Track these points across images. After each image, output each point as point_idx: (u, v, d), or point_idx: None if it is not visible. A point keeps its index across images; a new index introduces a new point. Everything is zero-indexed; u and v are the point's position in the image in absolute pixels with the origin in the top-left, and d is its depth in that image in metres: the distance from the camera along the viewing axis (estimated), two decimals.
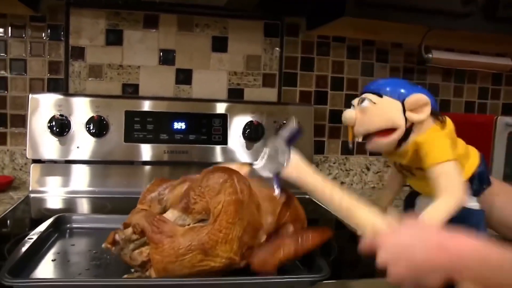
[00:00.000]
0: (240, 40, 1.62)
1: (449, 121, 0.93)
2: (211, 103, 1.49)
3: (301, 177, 0.84)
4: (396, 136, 0.90)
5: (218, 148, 1.46)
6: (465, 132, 0.96)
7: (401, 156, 0.94)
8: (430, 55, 1.61)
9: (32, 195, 1.37)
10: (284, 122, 1.49)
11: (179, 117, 1.44)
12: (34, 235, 0.90)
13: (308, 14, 1.64)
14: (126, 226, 0.82)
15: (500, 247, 0.62)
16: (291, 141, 0.86)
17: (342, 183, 1.73)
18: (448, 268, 0.63)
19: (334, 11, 1.40)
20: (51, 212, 1.16)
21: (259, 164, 0.86)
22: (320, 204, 1.39)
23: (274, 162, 0.85)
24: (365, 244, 0.73)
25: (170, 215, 0.80)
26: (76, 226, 1.05)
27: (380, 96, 0.91)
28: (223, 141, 1.46)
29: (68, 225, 1.05)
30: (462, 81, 1.85)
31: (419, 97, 0.88)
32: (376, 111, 0.91)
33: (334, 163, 1.72)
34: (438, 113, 0.91)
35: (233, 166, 0.86)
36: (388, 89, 0.91)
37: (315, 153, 1.65)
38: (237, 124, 1.48)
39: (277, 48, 1.66)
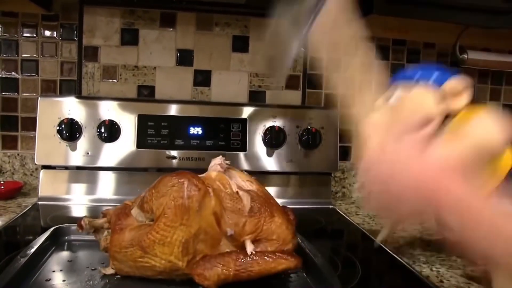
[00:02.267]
0: (262, 40, 1.53)
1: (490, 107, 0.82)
2: (230, 107, 1.41)
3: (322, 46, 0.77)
4: (432, 127, 0.77)
5: (236, 155, 1.37)
6: None
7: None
8: (465, 56, 1.52)
9: (40, 202, 1.31)
10: (308, 127, 1.40)
11: (195, 121, 1.36)
12: (30, 249, 0.85)
13: None
14: (103, 215, 0.89)
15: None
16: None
17: None
18: (425, 203, 0.61)
19: (362, 9, 1.30)
20: (56, 221, 1.10)
21: None
22: (343, 214, 1.32)
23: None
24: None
25: (134, 211, 0.83)
26: (75, 239, 0.99)
27: (411, 86, 0.79)
28: (242, 147, 1.38)
29: (66, 238, 0.99)
30: (499, 83, 1.73)
31: (458, 82, 0.76)
32: (408, 105, 0.78)
33: None
34: (474, 99, 0.79)
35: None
36: (418, 77, 0.79)
37: (341, 159, 1.55)
38: (257, 129, 1.39)
39: (302, 48, 1.56)
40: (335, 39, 0.77)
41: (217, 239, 0.79)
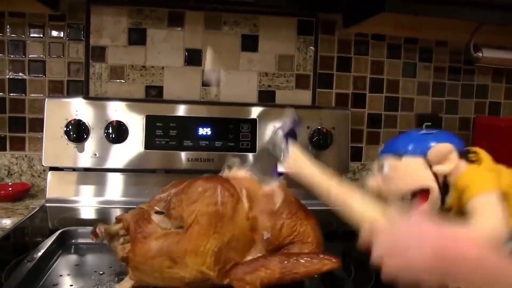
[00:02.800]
0: (271, 39, 1.52)
1: (483, 154, 0.81)
2: (239, 107, 1.39)
3: (298, 170, 0.81)
4: (433, 197, 0.80)
5: (246, 156, 1.35)
6: None
7: (449, 210, 0.83)
8: (480, 54, 1.48)
9: (48, 204, 1.29)
10: (319, 127, 1.38)
11: (204, 122, 1.34)
12: (37, 253, 0.84)
13: (345, 10, 1.52)
14: (118, 221, 0.81)
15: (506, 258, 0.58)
16: (290, 134, 0.84)
17: None
18: (443, 273, 0.59)
19: (373, 7, 1.28)
20: (63, 224, 1.09)
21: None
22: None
23: (272, 156, 0.85)
24: (363, 239, 0.69)
25: (156, 216, 0.78)
26: (82, 242, 0.98)
27: (400, 157, 0.82)
28: (252, 148, 1.35)
29: (73, 241, 0.98)
30: None
31: (440, 148, 0.79)
32: (398, 175, 0.82)
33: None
34: (466, 151, 0.81)
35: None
36: (406, 148, 0.82)
37: (352, 160, 1.52)
38: (267, 130, 1.37)
39: (312, 47, 1.54)
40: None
41: (249, 246, 0.77)
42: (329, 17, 1.54)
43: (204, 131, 1.34)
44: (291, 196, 0.84)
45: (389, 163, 0.83)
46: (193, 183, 0.78)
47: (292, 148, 0.84)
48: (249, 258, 0.76)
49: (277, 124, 1.37)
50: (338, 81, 1.57)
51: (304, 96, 1.55)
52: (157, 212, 0.79)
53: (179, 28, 1.47)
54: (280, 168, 0.83)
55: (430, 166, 0.80)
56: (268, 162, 0.85)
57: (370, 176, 0.88)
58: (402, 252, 0.62)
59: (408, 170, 0.81)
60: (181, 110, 1.35)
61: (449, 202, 0.80)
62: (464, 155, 0.80)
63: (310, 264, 0.74)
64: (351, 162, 1.50)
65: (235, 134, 1.35)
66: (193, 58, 1.48)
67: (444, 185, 0.80)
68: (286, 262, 0.74)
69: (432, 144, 0.80)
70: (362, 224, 0.71)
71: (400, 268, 0.62)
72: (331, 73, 1.56)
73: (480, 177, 0.77)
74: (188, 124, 1.33)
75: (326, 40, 1.55)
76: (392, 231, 0.66)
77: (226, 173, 0.86)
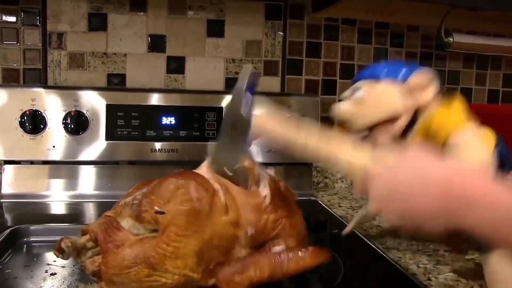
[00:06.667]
0: (238, 24, 1.47)
1: (459, 98, 0.80)
2: (205, 95, 1.33)
3: (268, 130, 0.74)
4: (402, 123, 0.77)
5: (211, 146, 1.30)
6: (488, 124, 0.83)
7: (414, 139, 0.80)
8: (451, 39, 1.47)
9: (3, 200, 1.22)
10: (288, 115, 1.34)
11: (167, 110, 1.28)
12: None
13: None
14: (83, 232, 0.75)
15: None
16: (251, 90, 0.76)
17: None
18: (451, 214, 0.54)
19: None
20: (20, 221, 1.03)
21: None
22: (325, 206, 1.26)
23: (238, 124, 0.75)
24: (357, 186, 0.64)
25: (125, 223, 0.71)
26: (34, 240, 0.93)
27: (377, 81, 0.79)
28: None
29: (25, 239, 0.92)
30: (485, 67, 1.69)
31: (423, 75, 0.77)
32: (374, 99, 0.79)
33: None
34: (442, 89, 0.80)
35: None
36: (385, 71, 0.79)
37: None
38: None
39: (280, 32, 1.49)
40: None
41: (232, 243, 0.71)
42: (297, 1, 1.49)
43: (168, 120, 1.28)
44: (279, 185, 0.79)
45: (365, 85, 0.80)
46: (163, 181, 0.72)
47: (258, 107, 0.76)
48: (234, 255, 0.71)
49: None
50: (307, 67, 1.53)
51: (273, 83, 1.50)
52: (157, 212, 0.70)
53: (142, 13, 1.41)
54: (251, 135, 0.75)
55: (407, 93, 0.76)
56: (235, 134, 0.77)
57: (340, 102, 0.84)
58: (404, 195, 0.57)
59: (384, 95, 0.79)
60: (144, 99, 1.29)
61: (413, 135, 0.78)
62: (440, 91, 0.78)
63: (300, 259, 0.70)
64: None
65: (200, 123, 1.29)
66: (157, 44, 1.42)
67: (412, 119, 0.78)
68: (275, 259, 0.70)
69: (410, 70, 0.78)
70: (353, 171, 0.66)
71: (403, 213, 0.57)
72: (300, 59, 1.52)
73: (454, 114, 0.76)
74: (151, 113, 1.28)
75: (295, 25, 1.50)
76: (389, 174, 0.60)
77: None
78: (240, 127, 0.75)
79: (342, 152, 0.67)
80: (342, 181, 1.56)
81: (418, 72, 0.78)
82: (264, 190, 0.75)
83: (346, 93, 0.84)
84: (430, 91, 0.77)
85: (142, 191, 0.76)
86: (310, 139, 0.70)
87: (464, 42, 1.49)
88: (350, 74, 1.55)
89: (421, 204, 0.55)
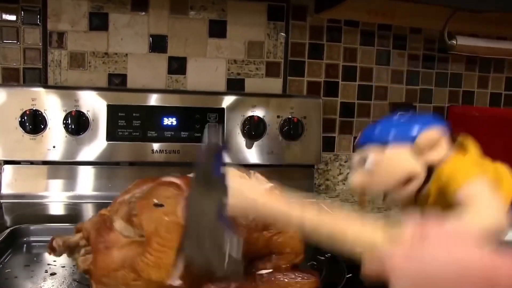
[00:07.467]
0: (240, 24, 1.46)
1: (471, 143, 0.77)
2: (206, 96, 1.33)
3: (250, 204, 0.63)
4: (416, 183, 0.74)
5: None
6: (489, 127, 0.81)
7: (424, 201, 0.77)
8: (454, 42, 1.45)
9: (3, 200, 1.22)
10: (289, 117, 1.33)
11: (169, 111, 1.28)
12: None
13: None
14: (77, 230, 0.74)
15: None
16: (218, 159, 0.64)
17: None
18: None
19: None
20: (20, 222, 1.01)
21: None
22: (327, 209, 1.25)
23: (212, 200, 0.63)
24: (368, 270, 0.54)
25: (118, 224, 0.70)
26: (34, 240, 0.93)
27: (383, 146, 0.74)
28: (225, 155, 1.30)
29: (25, 239, 0.93)
30: (487, 70, 1.68)
31: (431, 134, 0.72)
32: (385, 167, 0.74)
33: (345, 161, 1.56)
34: (454, 138, 0.76)
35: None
36: (392, 134, 0.74)
37: (324, 150, 1.48)
38: (235, 120, 1.32)
39: (282, 33, 1.49)
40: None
41: None
42: (300, 2, 1.48)
43: (169, 121, 1.27)
44: None
45: (373, 152, 0.75)
46: (157, 187, 0.71)
47: (231, 178, 0.64)
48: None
49: (247, 113, 1.32)
50: (309, 69, 1.52)
51: (275, 84, 1.49)
52: (155, 205, 0.69)
53: (143, 13, 1.40)
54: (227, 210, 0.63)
55: (419, 154, 0.74)
56: (207, 211, 0.63)
57: (352, 173, 0.79)
58: (436, 282, 0.49)
59: (394, 161, 0.74)
60: (145, 99, 1.28)
61: (427, 191, 0.76)
62: (451, 141, 0.75)
63: (286, 285, 0.70)
64: (323, 153, 1.46)
65: (201, 124, 1.29)
66: (158, 44, 1.41)
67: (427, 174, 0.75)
68: (260, 284, 0.69)
69: (417, 128, 0.75)
70: (362, 252, 0.56)
71: None
72: (302, 60, 1.51)
73: (464, 164, 0.73)
74: (153, 113, 1.27)
75: (298, 26, 1.49)
76: (413, 258, 0.51)
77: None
78: (213, 198, 0.63)
79: (350, 228, 0.58)
80: (344, 183, 1.55)
81: (427, 130, 0.73)
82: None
83: (355, 159, 0.79)
84: (441, 148, 0.73)
85: (142, 188, 0.75)
86: (307, 212, 0.61)
87: (467, 44, 1.48)
88: (352, 76, 1.54)
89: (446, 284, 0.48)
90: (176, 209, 0.67)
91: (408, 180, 0.74)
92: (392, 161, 0.74)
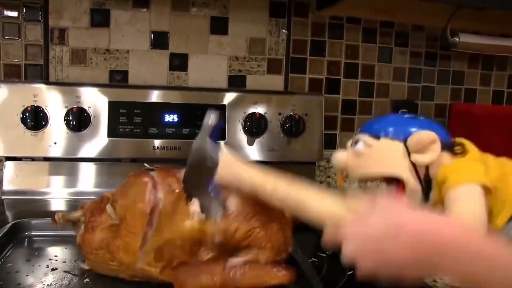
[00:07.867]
0: (242, 21, 1.45)
1: (469, 146, 0.77)
2: (208, 93, 1.33)
3: (235, 175, 0.71)
4: (410, 191, 0.75)
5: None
6: (492, 125, 0.81)
7: (436, 207, 0.78)
8: (457, 39, 1.45)
9: (4, 196, 1.22)
10: (291, 114, 1.33)
11: (170, 108, 1.28)
12: None
13: None
14: (81, 207, 0.82)
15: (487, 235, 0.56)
16: (214, 137, 0.76)
17: None
18: (427, 262, 0.54)
19: None
20: (21, 217, 1.01)
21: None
22: None
23: (202, 169, 0.74)
24: (327, 237, 0.61)
25: (109, 207, 0.76)
26: (35, 234, 0.94)
27: (378, 138, 0.77)
28: (221, 136, 1.29)
29: (26, 233, 0.93)
30: (490, 68, 1.68)
31: (423, 135, 0.74)
32: (371, 155, 0.77)
33: None
34: (451, 144, 0.76)
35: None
36: (387, 129, 0.78)
37: (326, 147, 1.47)
38: (237, 116, 1.32)
39: (284, 30, 1.48)
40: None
41: (198, 245, 0.71)
42: None
43: (170, 117, 1.27)
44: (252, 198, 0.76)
45: (365, 139, 0.78)
46: (132, 175, 0.76)
47: (222, 152, 0.73)
48: (199, 257, 0.72)
49: (248, 109, 1.32)
50: (311, 66, 1.51)
51: (276, 81, 1.49)
52: (147, 169, 0.76)
53: (145, 9, 1.40)
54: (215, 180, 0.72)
55: (409, 154, 0.75)
56: (199, 179, 0.74)
57: (340, 150, 0.83)
58: (376, 246, 0.55)
59: (384, 153, 0.77)
60: (147, 96, 1.28)
61: (433, 198, 0.76)
62: (448, 147, 0.75)
63: (256, 276, 0.71)
64: (324, 150, 1.45)
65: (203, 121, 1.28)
66: (160, 41, 1.41)
67: (428, 180, 0.75)
68: (231, 272, 0.70)
69: (412, 129, 0.76)
70: (323, 222, 0.63)
71: (378, 265, 0.55)
72: (304, 57, 1.51)
73: (462, 167, 0.73)
74: (154, 110, 1.27)
75: (299, 23, 1.49)
76: (361, 224, 0.58)
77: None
78: (206, 168, 0.73)
79: (314, 200, 0.66)
80: (345, 181, 1.55)
81: (420, 133, 0.75)
82: (232, 200, 0.74)
83: (349, 142, 0.83)
84: (431, 153, 0.74)
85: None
86: (279, 185, 0.68)
87: (469, 42, 1.48)
88: (354, 73, 1.54)
89: (394, 254, 0.54)
90: (144, 198, 0.71)
91: (398, 182, 0.75)
92: (381, 150, 0.77)
